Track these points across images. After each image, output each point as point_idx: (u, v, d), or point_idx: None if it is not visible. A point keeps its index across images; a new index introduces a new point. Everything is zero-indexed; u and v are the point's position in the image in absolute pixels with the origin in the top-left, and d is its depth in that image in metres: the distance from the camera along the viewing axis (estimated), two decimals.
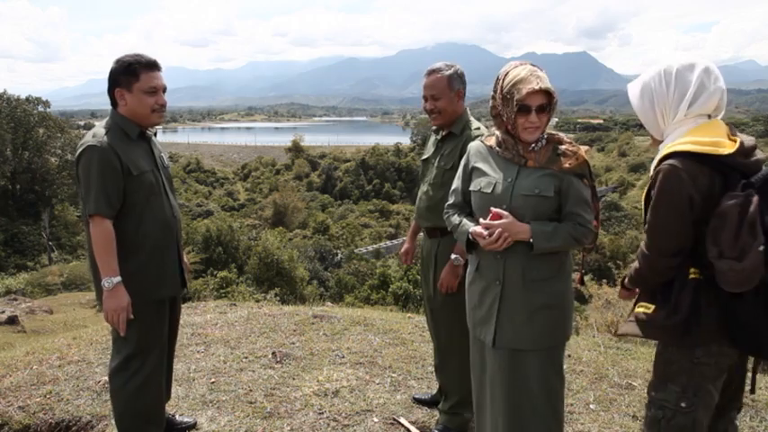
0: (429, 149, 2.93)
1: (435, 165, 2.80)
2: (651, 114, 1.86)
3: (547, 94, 1.95)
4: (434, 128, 2.88)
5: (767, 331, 1.65)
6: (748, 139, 1.75)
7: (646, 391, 1.97)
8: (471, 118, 2.79)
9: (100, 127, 2.45)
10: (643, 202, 1.85)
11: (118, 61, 2.42)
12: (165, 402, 2.85)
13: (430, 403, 3.14)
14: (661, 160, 1.74)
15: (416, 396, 3.23)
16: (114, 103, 2.46)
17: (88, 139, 2.38)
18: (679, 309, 1.72)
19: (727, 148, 1.68)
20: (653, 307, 1.81)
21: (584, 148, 2.03)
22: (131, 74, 2.40)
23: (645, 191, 1.85)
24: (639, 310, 1.86)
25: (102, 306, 2.42)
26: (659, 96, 1.82)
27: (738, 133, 1.77)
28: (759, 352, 1.75)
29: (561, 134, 2.07)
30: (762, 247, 1.55)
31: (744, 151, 1.71)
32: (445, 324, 2.82)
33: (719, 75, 1.79)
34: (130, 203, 2.40)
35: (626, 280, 1.99)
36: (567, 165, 2.00)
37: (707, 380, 1.80)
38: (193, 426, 2.92)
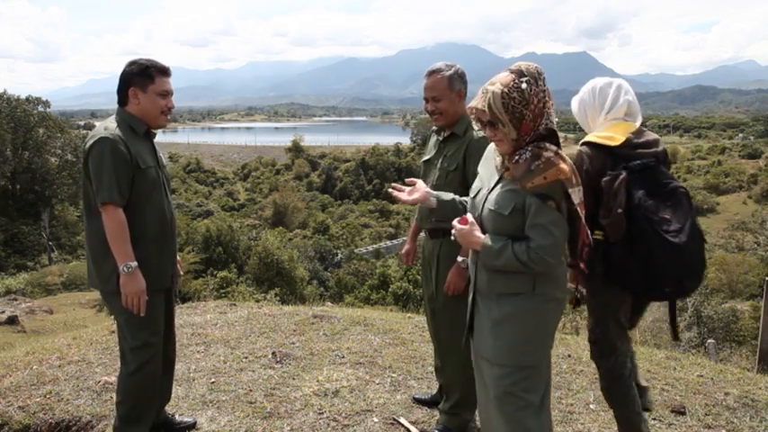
0: (430, 150, 2.91)
1: (438, 166, 2.77)
2: (583, 118, 2.51)
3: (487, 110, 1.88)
4: (435, 128, 2.87)
5: (632, 269, 2.19)
6: (651, 136, 2.37)
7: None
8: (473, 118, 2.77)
9: (109, 122, 2.54)
10: None
11: (134, 63, 2.56)
12: (166, 402, 2.87)
13: (430, 403, 3.14)
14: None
15: (416, 396, 3.23)
16: (124, 102, 2.58)
17: (99, 131, 2.47)
18: (595, 264, 2.23)
19: (617, 141, 2.28)
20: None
21: (564, 164, 1.84)
22: (147, 76, 2.55)
23: None
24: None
25: (106, 294, 2.55)
26: (588, 106, 2.48)
27: (648, 132, 2.39)
28: (629, 287, 2.26)
29: (550, 147, 1.88)
30: (620, 210, 2.17)
31: (632, 145, 2.29)
32: (446, 324, 2.81)
33: (630, 89, 2.45)
34: (136, 195, 2.50)
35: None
36: (528, 184, 1.85)
37: (615, 311, 2.42)
38: (193, 425, 2.92)
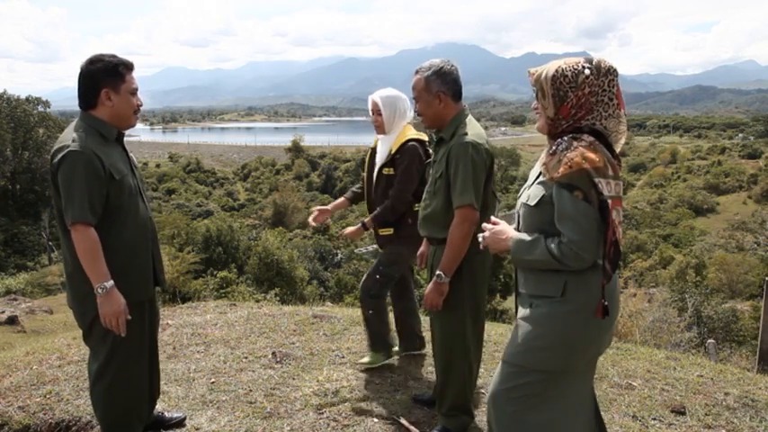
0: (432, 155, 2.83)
1: (430, 172, 2.72)
2: (392, 117, 3.32)
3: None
4: (434, 131, 2.78)
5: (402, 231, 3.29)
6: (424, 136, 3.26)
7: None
8: (470, 121, 2.63)
9: (75, 130, 2.35)
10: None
11: (99, 61, 2.35)
12: (155, 403, 2.86)
13: (430, 403, 3.13)
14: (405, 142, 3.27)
15: (417, 396, 3.23)
16: (92, 105, 2.38)
17: (66, 142, 2.29)
18: (406, 224, 3.27)
19: (426, 138, 3.21)
20: (392, 229, 3.35)
21: (591, 152, 1.74)
22: (118, 75, 2.37)
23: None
24: (385, 233, 3.38)
25: (79, 313, 2.44)
26: (399, 110, 3.34)
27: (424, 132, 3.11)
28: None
29: (586, 138, 1.79)
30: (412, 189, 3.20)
31: (425, 142, 3.27)
32: (436, 330, 2.78)
33: (407, 99, 3.24)
34: (113, 207, 2.37)
35: (371, 222, 3.38)
36: (555, 174, 1.77)
37: (405, 261, 3.44)
38: (182, 420, 2.92)
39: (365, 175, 3.51)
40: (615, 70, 1.83)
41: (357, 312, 5.14)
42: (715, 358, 6.25)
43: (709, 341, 7.64)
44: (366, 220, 3.41)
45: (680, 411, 3.11)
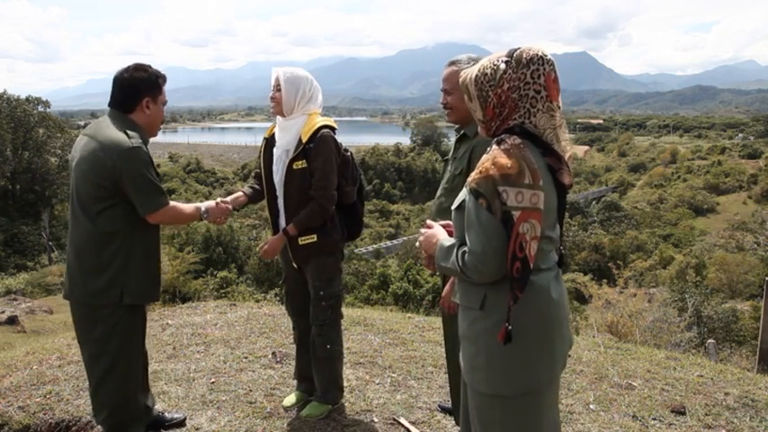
0: (450, 150, 2.78)
1: (449, 168, 2.67)
2: (294, 100, 2.83)
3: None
4: (456, 127, 2.73)
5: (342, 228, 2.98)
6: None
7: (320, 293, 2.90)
8: None
9: (122, 129, 2.40)
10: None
11: (144, 70, 2.49)
12: (152, 403, 2.87)
13: (452, 412, 3.00)
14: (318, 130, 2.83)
15: (441, 404, 3.13)
16: (130, 109, 2.48)
17: (123, 141, 2.35)
18: (336, 231, 2.91)
19: (334, 124, 2.90)
20: (315, 236, 2.84)
21: (503, 158, 1.58)
22: (157, 86, 2.52)
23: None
24: (307, 241, 2.84)
25: (90, 306, 2.47)
26: (301, 91, 2.84)
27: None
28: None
29: (509, 140, 1.63)
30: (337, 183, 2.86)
31: (336, 129, 2.92)
32: (449, 337, 2.73)
33: (316, 85, 2.93)
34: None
35: (293, 228, 2.80)
36: (470, 178, 1.64)
37: (339, 272, 3.01)
38: (183, 421, 2.93)
39: (262, 171, 3.02)
40: (542, 58, 1.64)
41: (357, 312, 5.14)
42: (715, 358, 6.25)
43: (709, 341, 7.64)
44: (288, 226, 2.84)
45: (680, 411, 3.11)
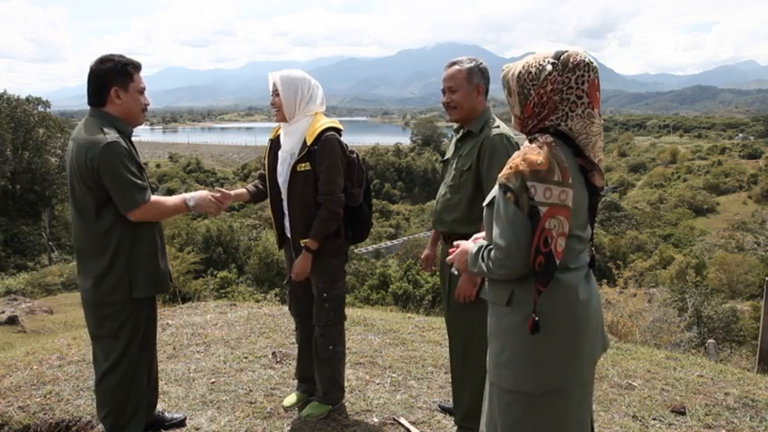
0: (450, 150, 2.82)
1: (453, 166, 2.68)
2: (295, 103, 2.82)
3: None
4: (455, 127, 2.78)
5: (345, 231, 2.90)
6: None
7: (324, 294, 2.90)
8: (494, 117, 2.63)
9: (97, 126, 2.41)
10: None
11: (109, 60, 2.46)
12: (155, 401, 2.88)
13: (453, 412, 2.99)
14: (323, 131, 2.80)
15: (441, 404, 3.14)
16: (102, 103, 2.47)
17: (98, 140, 2.35)
18: (340, 233, 2.87)
19: (339, 125, 2.89)
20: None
21: (534, 154, 1.60)
22: (127, 74, 2.48)
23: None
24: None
25: (97, 304, 2.50)
26: (300, 93, 2.83)
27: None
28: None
29: (542, 138, 1.66)
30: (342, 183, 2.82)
31: (341, 130, 2.92)
32: (458, 334, 2.73)
33: (316, 84, 2.92)
34: None
35: (312, 242, 2.77)
36: (500, 174, 1.67)
37: (343, 274, 3.00)
38: (183, 421, 2.93)
39: (267, 173, 2.99)
40: (588, 65, 1.66)
41: (357, 312, 5.14)
42: (715, 358, 6.25)
43: (709, 341, 7.64)
44: (306, 241, 2.80)
45: (680, 411, 3.11)
